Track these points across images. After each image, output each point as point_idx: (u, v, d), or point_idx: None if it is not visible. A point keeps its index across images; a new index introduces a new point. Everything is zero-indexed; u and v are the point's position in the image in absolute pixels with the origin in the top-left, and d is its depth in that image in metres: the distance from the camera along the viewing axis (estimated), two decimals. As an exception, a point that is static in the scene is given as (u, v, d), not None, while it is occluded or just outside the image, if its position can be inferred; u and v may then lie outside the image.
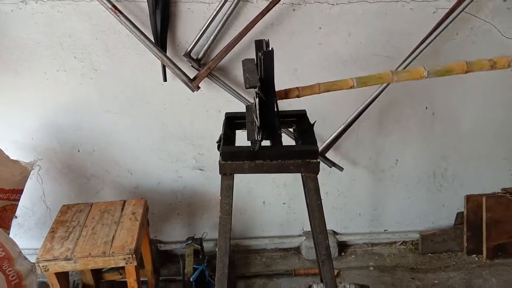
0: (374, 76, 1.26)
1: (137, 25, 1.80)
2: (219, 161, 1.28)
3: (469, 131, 2.25)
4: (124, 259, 1.69)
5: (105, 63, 1.96)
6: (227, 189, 1.30)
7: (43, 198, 2.26)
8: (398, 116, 2.19)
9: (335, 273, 2.30)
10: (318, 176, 1.30)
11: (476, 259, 2.41)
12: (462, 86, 2.13)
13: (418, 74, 1.25)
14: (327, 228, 1.35)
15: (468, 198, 2.38)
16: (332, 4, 1.90)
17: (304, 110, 1.51)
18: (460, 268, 2.36)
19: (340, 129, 2.07)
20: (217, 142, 1.40)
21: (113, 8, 1.74)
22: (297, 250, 2.51)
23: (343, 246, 2.52)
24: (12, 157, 1.84)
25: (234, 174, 1.29)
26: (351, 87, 1.24)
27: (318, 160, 1.27)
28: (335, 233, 2.49)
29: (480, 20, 1.98)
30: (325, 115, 2.10)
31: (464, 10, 1.86)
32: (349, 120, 2.05)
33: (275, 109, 1.24)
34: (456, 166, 2.35)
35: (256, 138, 1.23)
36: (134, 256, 1.69)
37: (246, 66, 1.32)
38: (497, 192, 2.39)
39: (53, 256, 1.67)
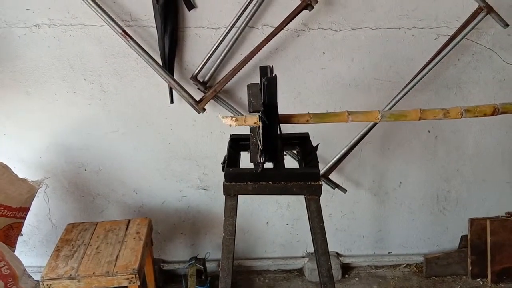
0: (329, 114, 1.32)
1: (146, 49, 1.86)
2: (223, 182, 1.30)
3: (472, 154, 2.27)
4: (127, 278, 1.70)
5: (114, 85, 2.01)
6: (231, 209, 1.32)
7: (49, 216, 2.29)
8: (401, 139, 2.21)
9: (338, 295, 2.29)
10: (321, 197, 1.32)
11: (481, 283, 2.39)
12: (464, 110, 2.15)
13: (373, 117, 1.30)
14: (330, 250, 1.37)
15: (472, 221, 2.38)
16: (336, 31, 1.95)
17: (307, 133, 1.54)
18: (465, 292, 2.34)
19: (343, 151, 2.09)
20: (221, 163, 1.43)
21: (123, 33, 1.80)
22: (300, 271, 2.50)
23: (346, 268, 2.51)
24: (20, 175, 1.88)
25: (238, 195, 1.32)
26: (306, 121, 1.28)
27: (320, 182, 1.30)
28: (338, 255, 2.48)
29: (482, 46, 2.03)
30: (329, 137, 2.13)
31: (466, 37, 1.90)
32: (352, 143, 2.07)
33: (278, 132, 1.27)
34: (459, 189, 2.35)
35: (259, 160, 1.25)
36: (137, 276, 1.70)
37: (251, 91, 1.37)
38: (501, 216, 2.38)
39: (57, 275, 1.69)
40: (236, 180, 1.29)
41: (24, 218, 1.93)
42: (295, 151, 1.85)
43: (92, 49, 1.93)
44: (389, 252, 2.52)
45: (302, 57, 1.99)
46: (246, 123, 1.24)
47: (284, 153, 1.94)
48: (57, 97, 2.02)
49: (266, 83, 1.17)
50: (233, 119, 1.20)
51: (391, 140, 2.22)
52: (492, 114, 1.31)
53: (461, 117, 1.31)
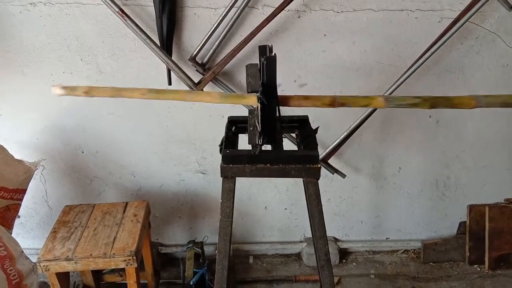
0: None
1: (144, 29, 1.82)
2: (221, 164, 1.28)
3: (473, 141, 2.25)
4: (125, 260, 1.70)
5: (111, 66, 1.98)
6: (228, 192, 1.30)
7: (45, 198, 2.28)
8: (401, 124, 2.19)
9: (336, 280, 2.30)
10: (320, 182, 1.30)
11: (478, 269, 2.40)
12: (466, 95, 2.13)
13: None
14: (328, 235, 1.36)
15: (471, 207, 2.37)
16: (337, 12, 1.92)
17: (306, 116, 1.52)
18: (462, 278, 2.35)
19: (343, 136, 2.07)
20: (219, 145, 1.41)
21: (120, 12, 1.76)
22: (298, 256, 2.51)
23: (344, 253, 2.51)
24: (17, 157, 1.86)
25: (236, 178, 1.30)
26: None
27: (319, 165, 1.28)
28: (336, 240, 2.48)
29: (485, 30, 1.99)
30: (328, 122, 2.11)
31: (469, 20, 1.86)
32: (352, 127, 2.05)
33: (277, 114, 1.25)
34: (459, 175, 2.34)
35: (257, 142, 1.23)
36: (134, 258, 1.69)
37: (249, 71, 1.34)
38: (500, 202, 2.38)
39: (54, 256, 1.68)
40: (234, 162, 1.27)
41: (21, 200, 1.92)
42: (293, 134, 1.83)
43: (88, 28, 1.90)
44: (387, 238, 2.52)
45: (303, 39, 1.96)
46: (75, 93, 1.20)
47: (283, 135, 1.92)
48: (53, 78, 1.99)
49: (265, 62, 1.14)
50: (62, 87, 1.17)
51: (391, 125, 2.20)
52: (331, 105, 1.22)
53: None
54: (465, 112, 2.17)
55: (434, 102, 1.18)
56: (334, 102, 1.20)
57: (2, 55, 1.94)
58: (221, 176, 1.29)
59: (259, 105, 1.20)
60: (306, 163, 1.27)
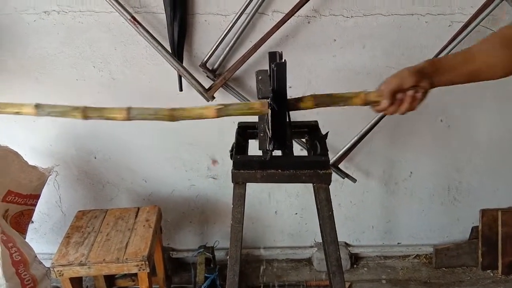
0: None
1: (155, 36, 1.84)
2: (232, 169, 1.29)
3: (485, 144, 2.23)
4: (137, 265, 1.71)
5: (123, 73, 2.00)
6: (239, 197, 1.31)
7: (59, 204, 2.31)
8: (412, 128, 2.18)
9: (347, 286, 2.29)
10: (330, 187, 1.30)
11: (491, 274, 2.37)
12: (478, 99, 2.12)
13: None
14: (339, 240, 1.36)
15: (483, 212, 2.35)
16: (347, 17, 1.92)
17: (316, 121, 1.52)
18: (475, 283, 2.32)
19: (353, 140, 2.07)
20: (229, 151, 1.42)
21: (132, 19, 1.79)
22: (308, 261, 2.50)
23: (355, 259, 2.50)
24: (31, 163, 1.89)
25: (246, 183, 1.31)
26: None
27: (330, 170, 1.28)
28: (347, 245, 2.47)
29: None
30: (338, 126, 2.10)
31: (480, 24, 1.85)
32: (362, 132, 2.05)
33: (287, 120, 1.25)
34: (471, 180, 2.32)
35: (267, 148, 1.24)
36: (147, 262, 1.71)
37: (259, 77, 1.35)
38: (513, 207, 2.36)
39: (68, 261, 1.70)
40: (245, 168, 1.28)
41: (35, 205, 1.95)
42: (304, 139, 1.84)
43: (101, 36, 1.93)
44: (398, 243, 2.50)
45: (313, 44, 1.96)
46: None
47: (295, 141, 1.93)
48: (66, 84, 2.02)
49: (275, 68, 1.15)
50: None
51: (402, 130, 2.19)
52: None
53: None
54: (477, 116, 2.16)
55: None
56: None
57: (17, 63, 1.97)
58: (232, 182, 1.30)
59: (269, 111, 1.21)
60: (317, 168, 1.27)
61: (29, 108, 1.19)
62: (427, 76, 1.16)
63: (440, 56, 1.89)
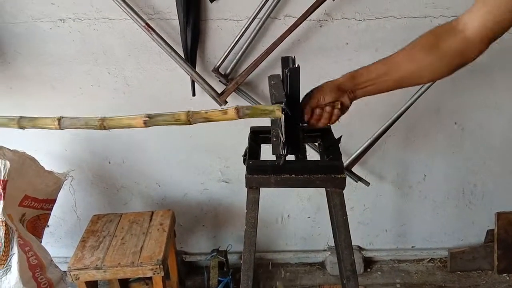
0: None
1: (168, 42, 1.86)
2: (246, 174, 1.30)
3: (499, 147, 2.20)
4: (152, 269, 1.72)
5: (137, 78, 2.03)
6: (253, 202, 1.31)
7: (74, 208, 2.34)
8: (426, 131, 2.17)
9: (361, 289, 2.28)
10: (343, 191, 1.30)
11: (507, 278, 2.34)
12: (492, 101, 2.10)
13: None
14: (353, 243, 1.35)
15: (499, 215, 2.32)
16: (359, 20, 1.92)
17: (329, 125, 1.52)
18: (491, 287, 2.29)
19: (366, 143, 2.06)
20: (242, 156, 1.43)
21: (146, 26, 1.81)
22: (321, 265, 2.49)
23: (369, 262, 2.49)
24: (47, 167, 1.92)
25: (260, 188, 1.31)
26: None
27: (344, 175, 1.28)
28: (360, 248, 2.46)
29: (510, 34, 1.94)
30: (352, 130, 2.10)
31: (494, 25, 1.84)
32: (375, 135, 2.04)
33: (300, 124, 1.26)
34: (485, 182, 2.29)
35: (281, 153, 1.24)
36: (161, 266, 1.72)
37: (273, 82, 1.35)
38: (530, 210, 2.32)
39: (84, 265, 1.73)
40: (258, 173, 1.28)
41: (51, 209, 1.98)
42: (316, 144, 1.83)
43: (115, 42, 1.95)
44: (412, 246, 2.48)
45: (325, 48, 1.96)
46: None
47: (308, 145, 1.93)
48: (82, 91, 2.05)
49: (288, 73, 1.16)
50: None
51: (415, 133, 2.17)
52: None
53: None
54: (492, 119, 2.14)
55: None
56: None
57: (33, 70, 2.01)
58: (246, 186, 1.30)
59: (283, 116, 1.21)
60: (331, 173, 1.27)
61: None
62: (348, 91, 1.20)
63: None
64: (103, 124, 1.19)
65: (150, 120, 1.18)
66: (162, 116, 1.19)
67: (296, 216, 2.40)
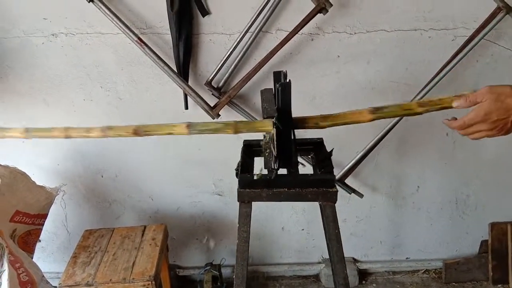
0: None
1: (161, 56, 1.87)
2: (237, 188, 1.30)
3: (492, 158, 2.22)
4: (144, 285, 1.71)
5: (130, 93, 2.03)
6: (245, 216, 1.31)
7: (64, 223, 2.31)
8: (418, 143, 2.18)
9: (356, 302, 2.26)
10: (337, 203, 1.30)
11: (502, 289, 2.34)
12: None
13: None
14: (347, 255, 1.35)
15: (493, 226, 2.32)
16: (350, 34, 1.94)
17: (321, 138, 1.53)
18: (486, 299, 2.29)
19: (359, 155, 2.07)
20: (235, 170, 1.43)
21: (138, 40, 1.82)
22: (316, 277, 2.48)
23: (363, 274, 2.47)
24: (38, 182, 1.90)
25: (252, 202, 1.31)
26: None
27: (336, 189, 1.28)
28: (355, 260, 2.45)
29: (501, 47, 1.98)
30: (344, 141, 2.11)
31: (484, 38, 1.86)
32: (368, 147, 2.05)
33: (292, 138, 1.26)
34: (478, 193, 2.30)
35: (273, 167, 1.24)
36: (153, 282, 1.71)
37: (264, 96, 1.36)
38: (523, 220, 2.33)
39: (75, 282, 1.71)
40: (250, 187, 1.29)
41: (42, 224, 1.96)
42: (309, 157, 1.84)
43: (108, 57, 1.96)
44: (407, 258, 2.48)
45: (317, 61, 1.98)
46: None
47: (299, 160, 1.93)
48: (74, 105, 2.05)
49: (280, 88, 1.17)
50: None
51: (408, 144, 2.18)
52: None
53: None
54: (483, 129, 2.15)
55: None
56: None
57: (26, 84, 2.00)
58: (238, 201, 1.30)
59: (274, 130, 1.22)
60: (323, 187, 1.27)
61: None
62: None
63: (444, 71, 1.90)
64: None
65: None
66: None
67: (290, 228, 2.39)
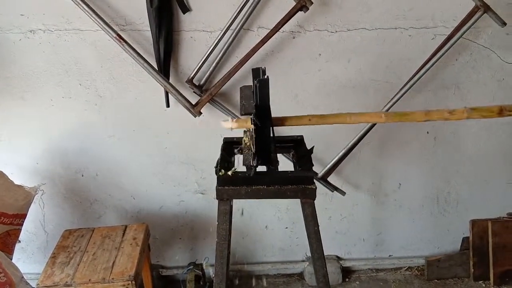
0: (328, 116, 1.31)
1: (141, 53, 1.85)
2: (216, 186, 1.29)
3: (472, 155, 2.24)
4: (124, 285, 1.69)
5: (110, 90, 2.00)
6: (224, 214, 1.31)
7: (42, 223, 2.27)
8: (399, 140, 2.19)
9: (338, 300, 2.27)
10: (320, 200, 1.30)
11: (483, 285, 2.36)
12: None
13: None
14: (331, 253, 1.35)
15: (474, 223, 2.35)
16: (332, 32, 1.94)
17: (302, 136, 1.53)
18: (467, 295, 2.31)
19: (341, 153, 2.07)
20: (215, 167, 1.42)
21: (117, 37, 1.79)
22: (300, 275, 2.48)
23: (347, 272, 2.48)
24: (17, 181, 1.87)
25: (232, 199, 1.30)
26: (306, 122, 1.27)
27: (315, 186, 1.28)
28: (338, 258, 2.46)
29: (479, 45, 2.01)
30: (327, 139, 2.11)
31: (463, 36, 1.88)
32: (350, 144, 2.05)
33: (271, 135, 1.26)
34: (459, 190, 2.33)
35: (251, 164, 1.24)
36: (133, 282, 1.69)
37: (243, 93, 1.35)
38: (503, 217, 2.35)
39: (53, 282, 1.68)
40: (229, 184, 1.28)
41: (21, 224, 1.92)
42: (290, 154, 1.84)
43: (87, 54, 1.93)
44: (390, 255, 2.49)
45: (299, 59, 1.98)
46: (247, 125, 1.22)
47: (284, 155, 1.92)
48: (52, 103, 2.02)
49: (258, 84, 1.16)
50: (234, 120, 1.19)
51: (390, 142, 2.20)
52: (500, 115, 1.28)
53: (466, 117, 1.28)
54: (463, 126, 2.18)
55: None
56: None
57: (3, 82, 1.97)
58: (217, 198, 1.30)
59: (252, 126, 1.21)
60: (302, 184, 1.27)
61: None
62: None
63: (424, 69, 1.92)
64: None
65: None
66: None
67: (274, 227, 2.39)
